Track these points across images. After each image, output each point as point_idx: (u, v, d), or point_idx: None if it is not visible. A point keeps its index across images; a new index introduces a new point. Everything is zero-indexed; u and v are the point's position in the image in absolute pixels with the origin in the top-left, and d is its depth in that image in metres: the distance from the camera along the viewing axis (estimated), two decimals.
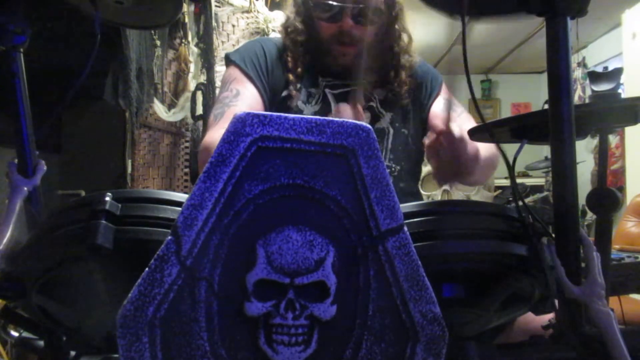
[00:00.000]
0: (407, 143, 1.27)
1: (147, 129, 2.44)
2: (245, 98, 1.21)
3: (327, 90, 1.25)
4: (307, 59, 1.25)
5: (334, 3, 1.15)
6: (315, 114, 1.22)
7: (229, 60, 1.29)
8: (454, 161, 0.88)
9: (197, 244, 0.49)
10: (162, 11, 0.90)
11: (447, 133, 0.86)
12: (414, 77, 1.31)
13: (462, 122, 1.11)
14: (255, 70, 1.25)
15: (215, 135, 1.14)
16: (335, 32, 1.18)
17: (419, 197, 1.33)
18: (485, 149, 1.11)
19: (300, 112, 1.22)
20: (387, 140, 1.25)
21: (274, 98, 1.24)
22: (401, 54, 1.27)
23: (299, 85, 1.24)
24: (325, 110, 1.22)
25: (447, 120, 0.87)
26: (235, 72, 1.26)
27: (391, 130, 1.25)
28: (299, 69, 1.24)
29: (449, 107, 0.88)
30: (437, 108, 1.30)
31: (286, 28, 1.28)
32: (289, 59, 1.25)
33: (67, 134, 2.18)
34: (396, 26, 1.26)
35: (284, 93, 1.24)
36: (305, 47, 1.25)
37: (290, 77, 1.24)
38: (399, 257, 0.52)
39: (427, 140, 0.90)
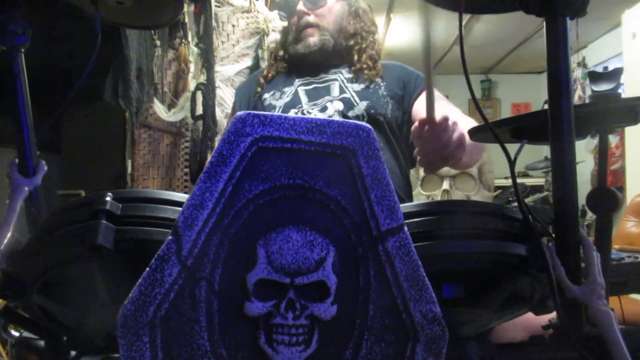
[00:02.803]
0: (383, 128, 1.34)
1: (147, 129, 2.44)
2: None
3: (299, 88, 1.40)
4: (284, 67, 1.49)
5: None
6: (286, 104, 1.37)
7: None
8: (437, 148, 0.89)
9: (197, 244, 0.49)
10: (162, 11, 0.90)
11: (428, 120, 0.87)
12: (393, 71, 1.44)
13: (449, 112, 1.14)
14: (241, 89, 1.58)
15: None
16: (297, 21, 1.43)
17: (402, 175, 1.39)
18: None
19: (274, 107, 1.39)
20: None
21: (255, 101, 1.46)
22: (365, 44, 1.44)
23: (272, 91, 1.44)
24: (295, 102, 1.37)
25: (429, 108, 0.87)
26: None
27: (366, 117, 1.33)
28: (270, 74, 1.48)
29: (431, 98, 0.89)
30: (422, 104, 1.35)
31: (271, 52, 1.58)
32: (264, 72, 1.51)
33: (67, 134, 2.18)
34: (356, 19, 1.46)
35: (260, 95, 1.46)
36: (284, 59, 1.49)
37: (261, 80, 1.48)
38: (399, 257, 0.52)
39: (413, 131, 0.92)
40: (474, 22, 4.92)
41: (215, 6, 2.69)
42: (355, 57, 1.42)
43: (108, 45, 1.97)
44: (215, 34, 2.66)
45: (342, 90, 1.37)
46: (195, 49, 2.60)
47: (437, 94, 1.35)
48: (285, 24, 1.53)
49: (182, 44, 2.57)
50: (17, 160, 0.75)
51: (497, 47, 5.96)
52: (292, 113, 1.33)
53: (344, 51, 1.44)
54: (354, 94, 1.36)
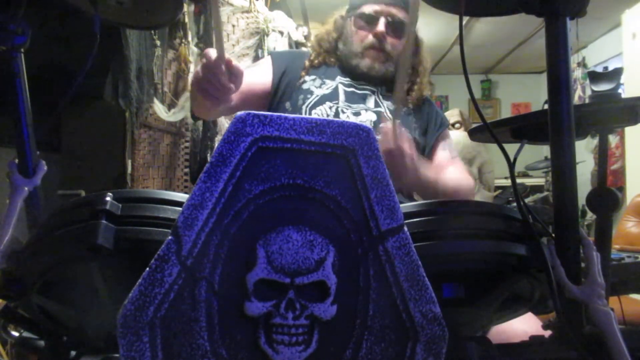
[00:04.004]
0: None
1: (147, 129, 2.43)
2: (256, 66, 1.51)
3: (340, 85, 1.42)
4: (331, 61, 1.47)
5: (372, 13, 1.40)
6: (324, 95, 1.38)
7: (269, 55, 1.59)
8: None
9: (197, 244, 0.49)
10: (162, 11, 0.90)
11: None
12: (427, 107, 1.50)
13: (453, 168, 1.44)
14: (280, 57, 1.50)
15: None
16: (370, 39, 1.41)
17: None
18: (460, 183, 1.35)
19: (312, 92, 1.39)
20: None
21: (293, 82, 1.43)
22: (419, 79, 1.48)
23: (314, 76, 1.44)
24: (333, 96, 1.38)
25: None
26: (266, 58, 1.54)
27: None
28: (317, 61, 1.47)
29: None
30: (441, 154, 1.48)
31: (318, 36, 1.52)
32: (312, 56, 1.49)
33: (67, 134, 2.18)
34: (416, 54, 1.49)
35: (301, 80, 1.44)
36: (332, 54, 1.47)
37: (307, 63, 1.46)
38: (399, 257, 0.52)
39: None
40: (474, 22, 4.92)
41: None
42: (407, 91, 1.45)
43: (108, 45, 1.97)
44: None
45: (377, 104, 1.40)
46: (195, 49, 2.60)
47: (449, 143, 1.49)
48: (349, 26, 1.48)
49: (182, 44, 2.57)
50: (17, 160, 0.75)
51: (497, 47, 5.96)
52: (327, 105, 1.36)
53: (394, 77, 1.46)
54: (388, 111, 1.40)
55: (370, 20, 1.40)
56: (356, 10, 1.43)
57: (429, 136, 1.47)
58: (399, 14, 1.40)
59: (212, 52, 1.03)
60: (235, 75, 1.04)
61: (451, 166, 1.43)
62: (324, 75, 1.44)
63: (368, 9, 1.40)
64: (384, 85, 1.44)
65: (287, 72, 1.44)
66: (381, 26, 1.39)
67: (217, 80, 1.03)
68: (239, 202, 0.51)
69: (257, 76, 1.42)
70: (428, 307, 0.52)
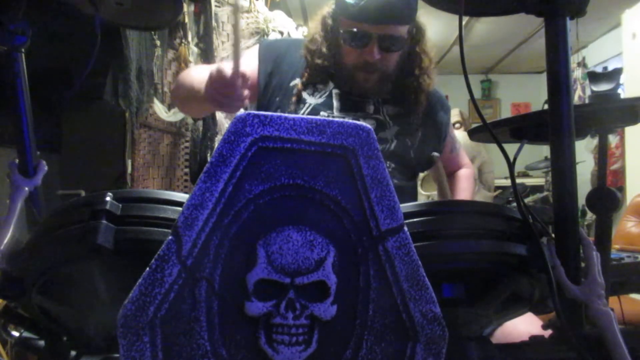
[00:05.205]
0: (408, 152, 1.33)
1: (147, 129, 2.43)
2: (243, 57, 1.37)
3: (334, 91, 1.32)
4: (322, 73, 1.33)
5: (361, 35, 1.22)
6: (317, 105, 1.30)
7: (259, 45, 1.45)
8: None
9: (197, 243, 0.49)
10: (162, 12, 0.90)
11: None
12: (431, 99, 1.39)
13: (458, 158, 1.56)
14: (268, 55, 1.37)
15: (190, 71, 1.33)
16: (360, 61, 1.26)
17: (412, 193, 1.42)
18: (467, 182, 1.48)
19: (304, 101, 1.31)
20: (390, 146, 1.31)
21: (282, 84, 1.34)
22: (421, 76, 1.35)
23: (308, 84, 1.34)
24: (326, 105, 1.30)
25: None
26: (253, 48, 1.41)
27: (394, 141, 1.31)
28: (310, 77, 1.33)
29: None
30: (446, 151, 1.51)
31: (309, 48, 1.35)
32: (305, 72, 1.34)
33: (67, 134, 2.18)
34: (417, 49, 1.33)
35: (292, 83, 1.33)
36: (324, 68, 1.32)
37: (299, 85, 1.33)
38: (399, 257, 0.52)
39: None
40: (474, 22, 4.92)
41: (215, 6, 2.69)
42: (412, 96, 1.34)
43: (108, 45, 1.97)
44: (215, 34, 2.66)
45: (376, 110, 1.32)
46: (195, 49, 2.60)
47: (453, 135, 1.52)
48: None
49: (182, 44, 2.57)
50: (17, 160, 0.75)
51: (497, 47, 5.96)
52: (320, 116, 1.26)
53: (393, 83, 1.34)
54: (387, 117, 1.32)
55: (360, 41, 1.23)
56: (345, 23, 1.25)
57: (441, 133, 1.43)
58: (394, 31, 1.23)
59: (227, 68, 1.01)
60: (247, 84, 1.05)
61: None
62: (318, 78, 1.33)
63: (357, 28, 1.22)
64: (384, 88, 1.34)
65: (275, 73, 1.34)
66: (373, 52, 1.23)
67: (234, 94, 1.03)
68: (239, 202, 0.51)
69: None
70: (428, 307, 0.52)
